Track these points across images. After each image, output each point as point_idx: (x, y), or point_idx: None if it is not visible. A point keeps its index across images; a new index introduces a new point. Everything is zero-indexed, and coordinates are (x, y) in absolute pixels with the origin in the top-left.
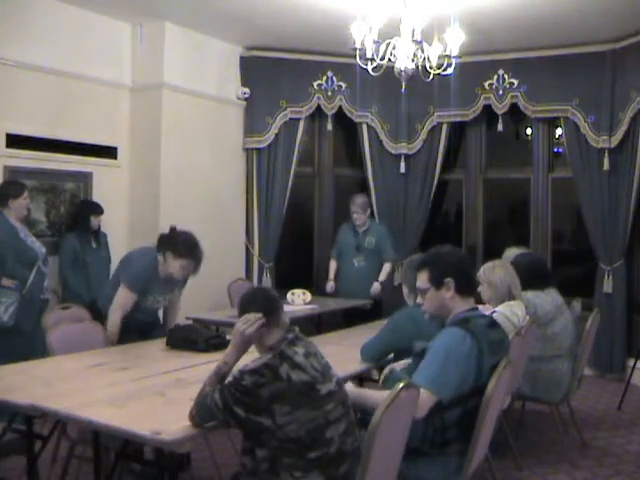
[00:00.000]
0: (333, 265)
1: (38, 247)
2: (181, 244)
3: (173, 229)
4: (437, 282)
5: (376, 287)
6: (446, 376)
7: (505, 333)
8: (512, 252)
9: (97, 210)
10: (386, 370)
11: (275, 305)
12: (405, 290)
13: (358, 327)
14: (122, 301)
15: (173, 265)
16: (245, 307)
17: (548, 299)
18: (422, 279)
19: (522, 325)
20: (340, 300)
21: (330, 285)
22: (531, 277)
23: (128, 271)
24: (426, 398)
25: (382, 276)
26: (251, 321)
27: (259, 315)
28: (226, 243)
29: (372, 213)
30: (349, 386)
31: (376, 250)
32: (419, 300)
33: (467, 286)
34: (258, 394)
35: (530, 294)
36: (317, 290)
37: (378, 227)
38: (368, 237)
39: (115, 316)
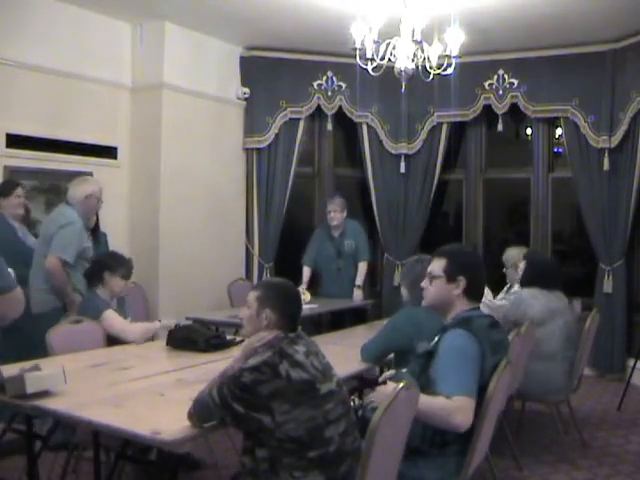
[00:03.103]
0: (307, 272)
1: None
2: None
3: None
4: (451, 275)
5: (358, 295)
6: (469, 378)
7: (505, 333)
8: (512, 252)
9: None
10: (387, 373)
11: (298, 313)
12: (404, 291)
13: (358, 327)
14: None
15: None
16: (286, 306)
17: (542, 302)
18: (438, 266)
19: None
20: (340, 300)
21: (305, 295)
22: (539, 274)
23: None
24: (468, 404)
25: (359, 279)
26: (265, 341)
27: (279, 333)
28: (226, 243)
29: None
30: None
31: (355, 251)
32: (424, 284)
33: (476, 290)
34: (257, 391)
35: (526, 292)
36: (317, 290)
37: (354, 226)
38: (347, 240)
39: None
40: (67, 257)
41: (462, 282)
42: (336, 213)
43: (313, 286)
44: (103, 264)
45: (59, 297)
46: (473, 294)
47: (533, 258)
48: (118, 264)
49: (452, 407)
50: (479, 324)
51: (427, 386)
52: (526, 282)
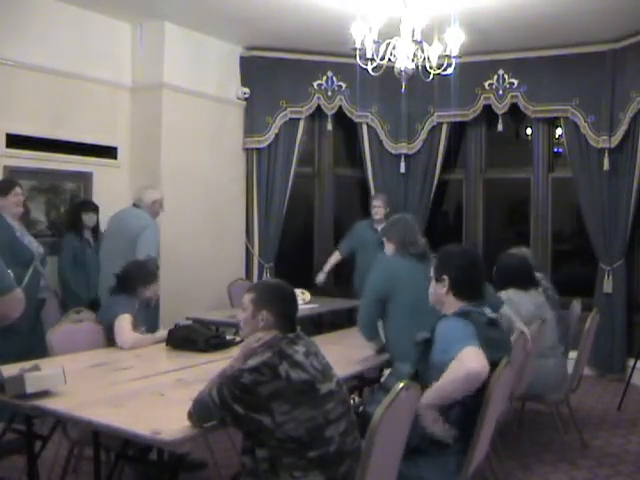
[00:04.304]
0: (335, 257)
1: (35, 247)
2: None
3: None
4: (437, 275)
5: None
6: (472, 338)
7: (506, 334)
8: (513, 254)
9: (86, 207)
10: (387, 371)
11: (295, 313)
12: (390, 247)
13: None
14: None
15: None
16: (283, 307)
17: (529, 299)
18: (433, 268)
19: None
20: (341, 300)
21: (320, 277)
22: (515, 276)
23: None
24: (474, 351)
25: None
26: (264, 341)
27: (277, 333)
28: (226, 243)
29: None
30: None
31: None
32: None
33: (463, 288)
34: (257, 392)
35: (511, 292)
36: (317, 290)
37: None
38: None
39: None
40: (155, 254)
41: (446, 281)
42: (379, 208)
43: (346, 280)
44: (136, 279)
45: None
46: (461, 292)
47: (500, 262)
48: (150, 276)
49: (463, 357)
50: (477, 319)
51: (426, 371)
52: (498, 287)
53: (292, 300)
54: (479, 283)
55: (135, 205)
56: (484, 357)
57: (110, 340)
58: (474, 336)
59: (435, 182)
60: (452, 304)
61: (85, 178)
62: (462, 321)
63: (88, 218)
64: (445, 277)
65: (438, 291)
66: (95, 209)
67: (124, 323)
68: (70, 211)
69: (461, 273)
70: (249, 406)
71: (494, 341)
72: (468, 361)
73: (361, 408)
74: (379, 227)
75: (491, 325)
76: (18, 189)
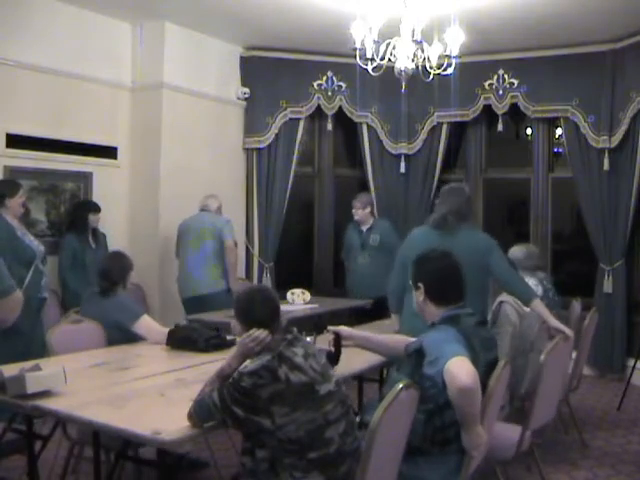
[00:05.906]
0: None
1: (36, 246)
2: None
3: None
4: (414, 283)
5: None
6: (460, 349)
7: (491, 332)
8: (516, 250)
9: (94, 208)
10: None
11: (277, 313)
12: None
13: (359, 327)
14: None
15: None
16: (247, 315)
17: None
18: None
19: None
20: (341, 300)
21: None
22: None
23: None
24: (460, 361)
25: None
26: (259, 340)
27: (266, 333)
28: None
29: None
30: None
31: (380, 247)
32: None
33: (439, 295)
34: (257, 395)
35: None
36: (317, 290)
37: (382, 224)
38: (373, 235)
39: None
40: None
41: (421, 288)
42: (357, 209)
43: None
44: (124, 268)
45: (225, 278)
46: (438, 298)
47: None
48: (129, 264)
49: (452, 371)
50: (467, 322)
51: (421, 383)
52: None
53: (255, 305)
54: (456, 286)
55: (202, 210)
56: (470, 365)
57: (113, 340)
58: (460, 343)
59: (435, 182)
60: (432, 312)
61: (85, 178)
62: (449, 329)
63: (95, 219)
64: (420, 284)
65: (419, 299)
66: (100, 210)
67: (148, 322)
68: (73, 211)
69: (434, 279)
70: (249, 409)
71: (486, 340)
72: (457, 374)
73: (358, 418)
74: (364, 228)
75: (480, 325)
76: (22, 191)
